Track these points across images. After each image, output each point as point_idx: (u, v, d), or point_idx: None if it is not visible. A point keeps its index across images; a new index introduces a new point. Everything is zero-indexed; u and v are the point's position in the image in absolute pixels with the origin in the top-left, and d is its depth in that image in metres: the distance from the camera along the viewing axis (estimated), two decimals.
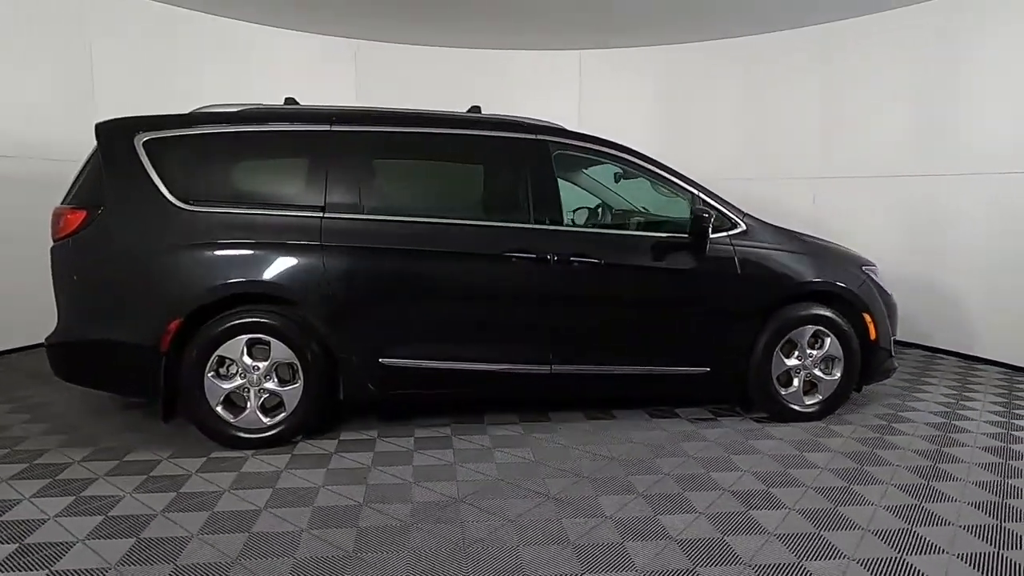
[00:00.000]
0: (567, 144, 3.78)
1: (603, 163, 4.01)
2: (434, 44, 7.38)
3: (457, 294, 3.52)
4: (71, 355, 3.33)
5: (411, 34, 7.07)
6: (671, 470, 3.14)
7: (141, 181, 3.26)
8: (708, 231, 3.63)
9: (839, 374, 3.87)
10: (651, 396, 4.11)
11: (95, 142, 3.40)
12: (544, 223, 3.58)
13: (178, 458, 3.23)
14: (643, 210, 4.42)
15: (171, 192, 3.28)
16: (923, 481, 3.03)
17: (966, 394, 4.46)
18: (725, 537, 2.50)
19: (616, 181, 3.76)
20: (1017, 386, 4.65)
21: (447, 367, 3.51)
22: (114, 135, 3.34)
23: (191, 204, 3.28)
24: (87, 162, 3.40)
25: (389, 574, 2.23)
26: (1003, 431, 3.72)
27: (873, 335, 3.90)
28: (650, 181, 3.91)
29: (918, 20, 5.67)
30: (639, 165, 3.87)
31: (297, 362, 3.33)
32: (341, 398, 3.49)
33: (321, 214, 3.39)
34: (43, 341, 3.35)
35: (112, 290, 3.25)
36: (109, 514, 2.65)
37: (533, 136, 3.72)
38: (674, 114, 7.37)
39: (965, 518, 2.67)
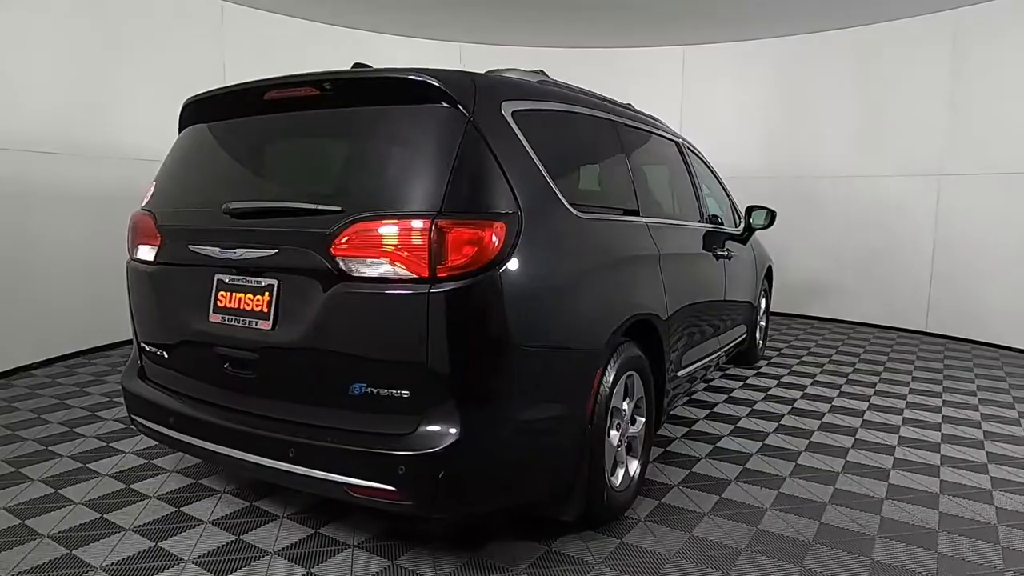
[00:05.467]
0: (686, 145, 3.99)
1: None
2: (535, 44, 7.47)
3: (706, 295, 3.56)
4: (498, 462, 2.04)
5: (512, 35, 7.20)
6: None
7: (535, 175, 2.18)
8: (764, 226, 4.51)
9: (765, 323, 5.30)
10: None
11: (433, 102, 2.00)
12: (707, 222, 3.82)
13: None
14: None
15: (560, 191, 2.27)
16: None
17: None
18: None
19: None
20: None
21: (695, 368, 3.48)
22: (482, 98, 2.07)
23: (577, 208, 2.35)
24: (460, 140, 1.95)
25: None
26: None
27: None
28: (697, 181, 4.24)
29: None
30: (709, 168, 4.31)
31: (644, 395, 2.71)
32: (657, 429, 2.93)
33: (639, 218, 2.86)
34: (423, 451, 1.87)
35: (545, 343, 2.12)
36: None
37: (678, 139, 3.87)
38: (779, 109, 7.10)
39: None
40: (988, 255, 5.81)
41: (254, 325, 2.10)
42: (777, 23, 6.60)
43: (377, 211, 1.91)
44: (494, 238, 1.91)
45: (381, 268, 1.88)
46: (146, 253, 2.43)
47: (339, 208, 1.95)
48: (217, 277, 2.22)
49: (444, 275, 1.84)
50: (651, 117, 3.64)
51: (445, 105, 1.99)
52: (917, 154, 6.21)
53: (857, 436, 3.54)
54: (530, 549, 2.35)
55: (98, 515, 2.58)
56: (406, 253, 1.85)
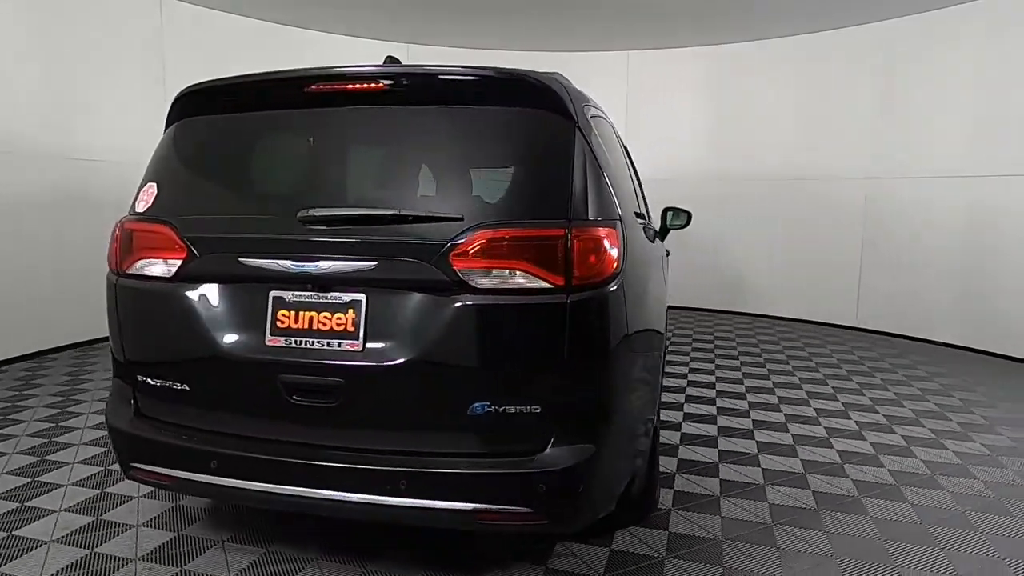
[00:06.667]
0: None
1: None
2: (482, 47, 7.49)
3: (667, 291, 3.66)
4: (618, 470, 2.07)
5: (460, 37, 7.21)
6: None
7: (619, 179, 2.22)
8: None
9: None
10: None
11: (537, 106, 1.91)
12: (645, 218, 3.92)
13: None
14: None
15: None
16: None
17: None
18: None
19: None
20: None
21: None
22: (575, 102, 2.00)
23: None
24: (573, 145, 1.89)
25: None
26: None
27: None
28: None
29: (986, 13, 5.62)
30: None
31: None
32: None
33: (645, 221, 2.99)
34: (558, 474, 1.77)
35: (647, 346, 2.21)
36: None
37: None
38: (720, 113, 7.51)
39: None
40: (916, 255, 6.18)
41: (336, 347, 1.86)
42: (716, 31, 6.96)
43: (502, 219, 1.81)
44: (615, 245, 1.87)
45: (510, 278, 1.77)
46: (156, 268, 2.00)
47: (460, 216, 1.80)
48: (273, 294, 1.92)
49: (577, 283, 1.77)
50: None
51: (554, 109, 1.92)
52: (848, 157, 6.64)
53: (784, 411, 4.01)
54: (593, 553, 2.36)
55: None
56: (542, 262, 1.76)
